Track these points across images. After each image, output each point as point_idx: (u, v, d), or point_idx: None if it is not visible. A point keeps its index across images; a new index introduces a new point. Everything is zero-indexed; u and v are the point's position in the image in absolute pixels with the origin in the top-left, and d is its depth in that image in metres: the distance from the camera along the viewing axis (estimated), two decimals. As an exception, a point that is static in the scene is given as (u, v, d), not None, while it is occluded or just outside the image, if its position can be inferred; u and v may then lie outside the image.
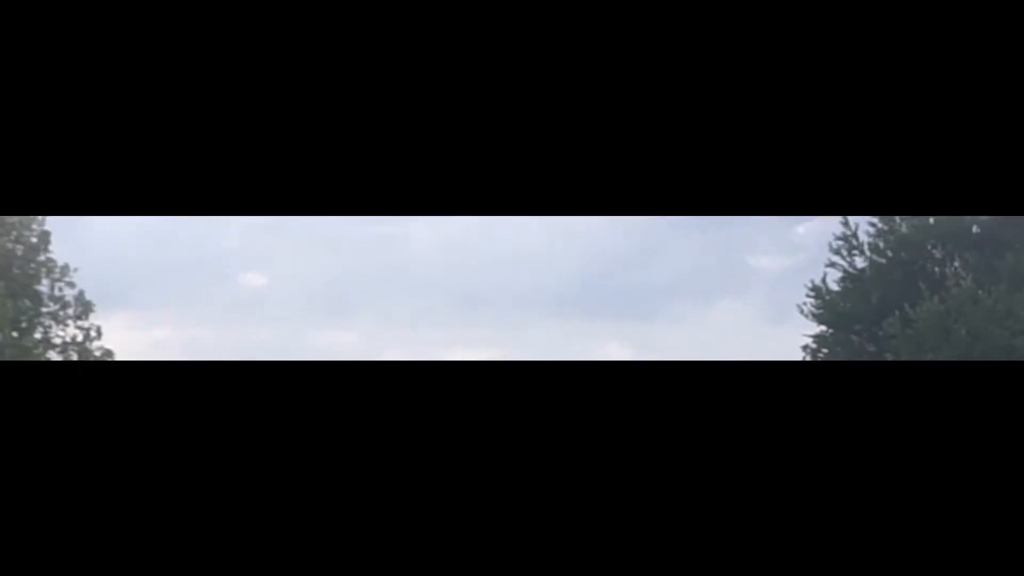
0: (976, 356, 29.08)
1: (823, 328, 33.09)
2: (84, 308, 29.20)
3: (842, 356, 32.62)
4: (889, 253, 32.57)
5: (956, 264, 32.28)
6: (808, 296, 33.20)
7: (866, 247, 32.77)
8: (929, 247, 32.63)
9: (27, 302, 28.29)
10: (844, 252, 33.01)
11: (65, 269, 28.73)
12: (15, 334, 27.77)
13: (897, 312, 30.32)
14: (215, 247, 69.37)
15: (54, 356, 29.45)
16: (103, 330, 29.83)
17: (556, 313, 68.48)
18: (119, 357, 31.63)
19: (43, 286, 28.63)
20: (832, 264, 33.12)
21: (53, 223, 28.39)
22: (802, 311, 33.26)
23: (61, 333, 29.27)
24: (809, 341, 33.16)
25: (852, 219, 32.85)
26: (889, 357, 30.35)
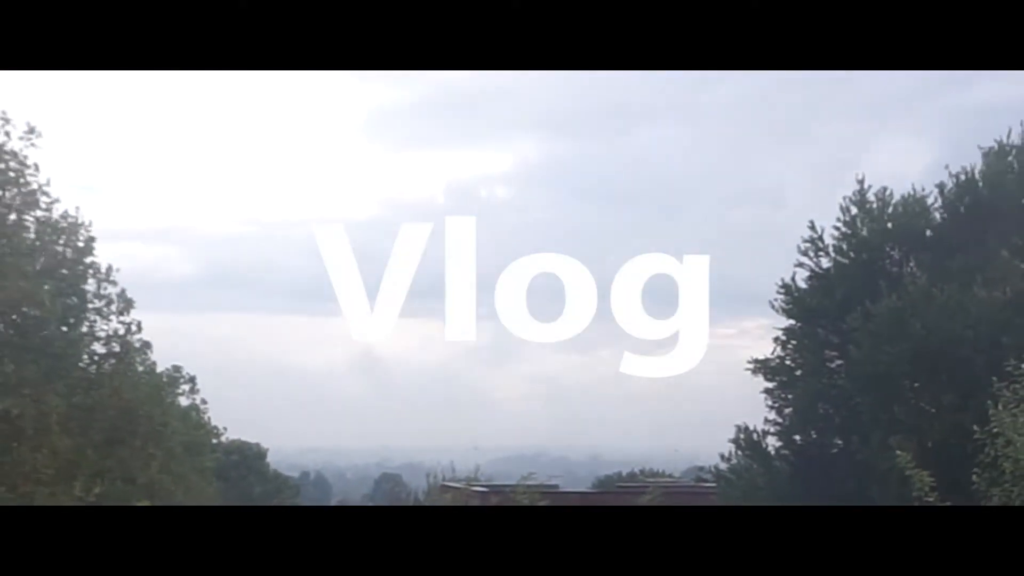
0: (931, 348, 29.32)
1: (792, 322, 33.35)
2: (126, 305, 29.28)
3: (809, 348, 32.89)
4: (852, 254, 32.80)
5: (912, 264, 32.50)
6: (779, 293, 33.47)
7: (831, 249, 33.02)
8: (888, 249, 32.84)
9: (74, 299, 28.42)
10: (811, 253, 33.30)
11: (109, 270, 28.84)
12: (64, 328, 27.90)
13: (859, 308, 30.54)
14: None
15: (98, 348, 29.58)
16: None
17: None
18: (156, 349, 31.86)
19: (89, 285, 28.72)
20: (800, 264, 33.44)
21: (99, 230, 28.59)
22: (773, 306, 33.55)
23: (105, 327, 29.36)
24: (779, 333, 33.43)
25: (818, 223, 33.17)
26: (852, 349, 30.59)
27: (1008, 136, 32.05)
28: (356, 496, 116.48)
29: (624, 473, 75.93)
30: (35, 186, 27.07)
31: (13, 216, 26.97)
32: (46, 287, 27.07)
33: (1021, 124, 32.08)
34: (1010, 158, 31.97)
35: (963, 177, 32.08)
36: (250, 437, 74.59)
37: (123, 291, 29.06)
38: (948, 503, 16.99)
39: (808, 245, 33.12)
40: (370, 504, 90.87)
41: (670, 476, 67.40)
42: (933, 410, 29.69)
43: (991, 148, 32.27)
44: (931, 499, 17.17)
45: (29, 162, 26.78)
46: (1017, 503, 16.93)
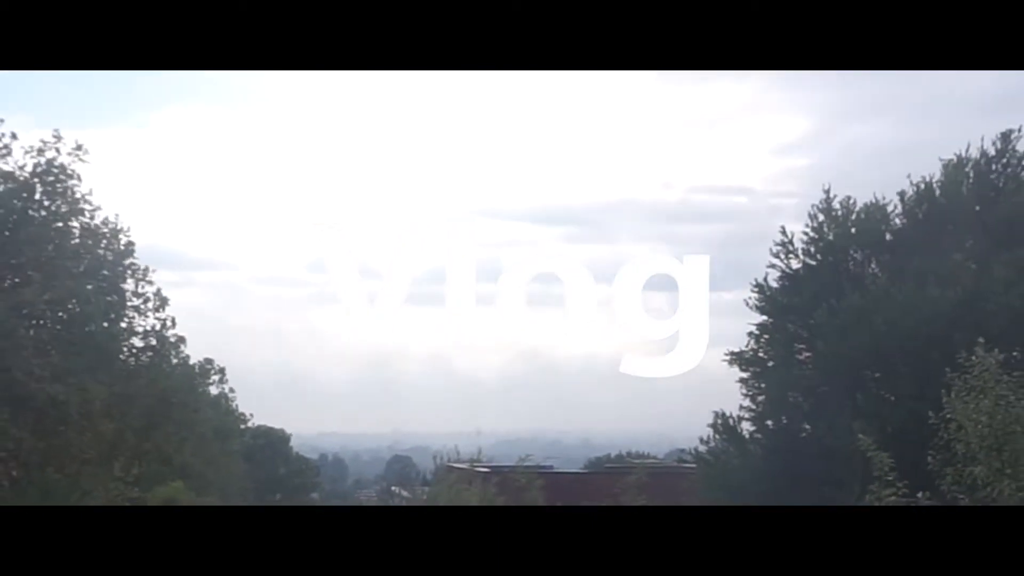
0: (890, 342, 29.38)
1: (765, 318, 33.40)
2: (161, 302, 29.28)
3: (780, 341, 32.95)
4: (819, 256, 32.81)
5: (873, 266, 32.53)
6: (752, 292, 33.51)
7: (800, 252, 33.05)
8: (851, 252, 32.86)
9: (115, 298, 28.47)
10: (782, 256, 33.29)
11: (146, 271, 28.85)
12: (105, 324, 27.96)
13: (825, 305, 30.59)
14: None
15: (136, 342, 29.60)
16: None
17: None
18: (190, 343, 31.83)
19: (128, 284, 28.73)
20: (772, 265, 33.46)
21: (136, 234, 28.63)
22: (747, 304, 33.58)
23: (143, 323, 29.38)
24: (753, 328, 33.49)
25: (788, 228, 33.22)
26: (819, 342, 30.64)
27: (967, 150, 32.13)
28: (370, 476, 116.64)
29: (613, 455, 76.08)
30: (79, 195, 27.20)
31: (60, 223, 27.11)
32: (89, 287, 27.19)
33: (981, 139, 32.11)
34: (968, 168, 32.02)
35: (922, 186, 32.15)
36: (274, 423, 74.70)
37: (159, 290, 29.12)
38: (905, 482, 17.11)
39: (780, 248, 33.16)
40: (383, 481, 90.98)
41: (654, 458, 67.61)
42: (892, 398, 29.77)
43: (951, 160, 32.33)
44: (890, 478, 17.26)
45: (74, 174, 26.93)
46: (968, 482, 17.04)
